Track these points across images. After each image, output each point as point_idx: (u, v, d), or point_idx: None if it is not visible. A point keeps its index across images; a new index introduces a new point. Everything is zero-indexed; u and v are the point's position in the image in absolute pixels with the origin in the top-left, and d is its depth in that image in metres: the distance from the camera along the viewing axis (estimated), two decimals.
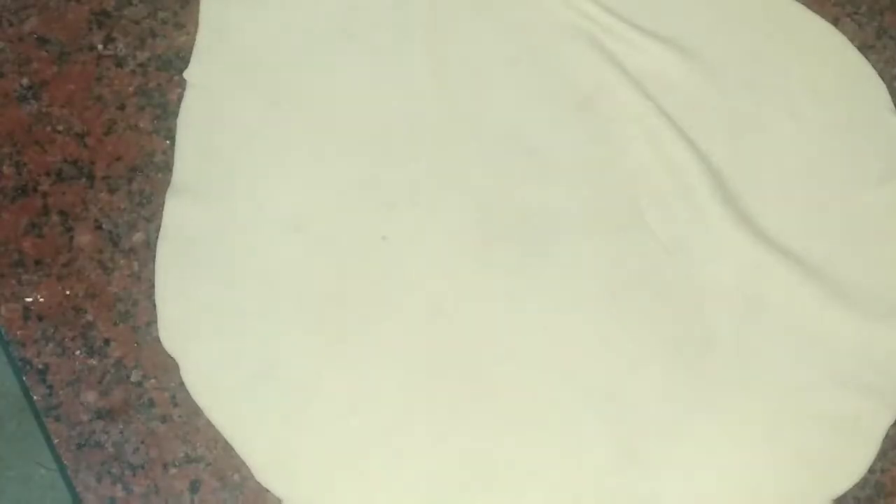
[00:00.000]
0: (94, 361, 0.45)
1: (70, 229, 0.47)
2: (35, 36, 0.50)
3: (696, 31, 0.51)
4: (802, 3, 0.52)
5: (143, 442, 0.44)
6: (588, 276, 0.46)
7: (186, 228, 0.47)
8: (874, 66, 0.51)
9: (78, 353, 0.46)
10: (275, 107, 0.49)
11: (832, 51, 0.50)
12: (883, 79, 0.50)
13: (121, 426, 0.45)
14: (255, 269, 0.46)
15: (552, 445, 0.44)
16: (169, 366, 0.45)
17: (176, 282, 0.46)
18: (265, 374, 0.44)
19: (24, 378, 0.45)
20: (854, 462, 0.44)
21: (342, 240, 0.47)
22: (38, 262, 0.47)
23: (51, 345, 0.46)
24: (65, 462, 0.44)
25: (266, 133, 0.48)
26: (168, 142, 0.49)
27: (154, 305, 0.46)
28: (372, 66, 0.50)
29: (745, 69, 0.50)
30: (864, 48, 0.51)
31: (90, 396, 0.45)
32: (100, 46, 0.50)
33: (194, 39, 0.50)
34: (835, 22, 0.52)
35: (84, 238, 0.47)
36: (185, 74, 0.49)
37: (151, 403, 0.45)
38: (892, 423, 0.45)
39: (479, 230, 0.47)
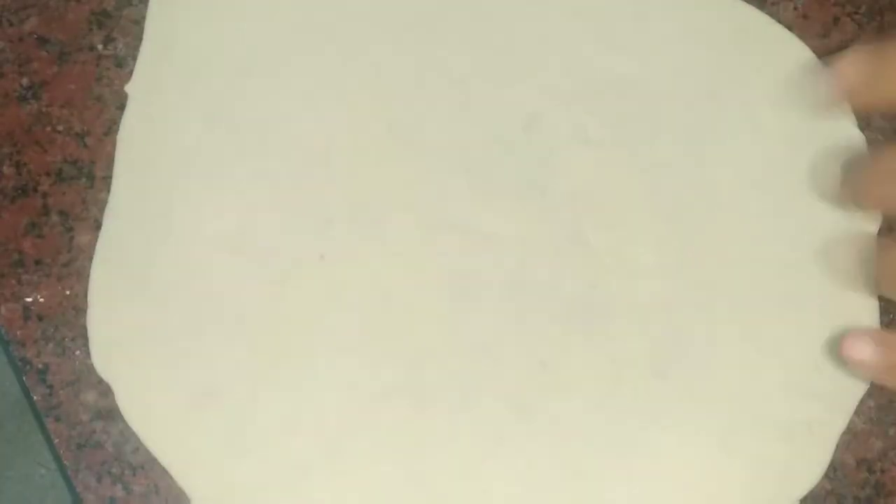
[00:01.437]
0: (93, 361, 0.45)
1: (70, 229, 0.47)
2: (35, 36, 0.50)
3: (657, 39, 0.50)
4: (800, 4, 0.52)
5: (143, 442, 0.44)
6: (528, 297, 0.46)
7: (122, 250, 0.46)
8: None
9: (78, 353, 0.46)
10: (214, 124, 0.48)
11: (795, 62, 0.50)
12: None
13: (121, 426, 0.45)
14: (191, 292, 0.45)
15: (498, 467, 0.44)
16: None
17: (110, 305, 0.45)
18: (202, 399, 0.44)
19: (24, 378, 0.45)
20: (808, 469, 0.45)
21: (279, 260, 0.46)
22: (38, 262, 0.47)
23: (51, 345, 0.46)
24: (65, 462, 0.44)
25: (204, 152, 0.47)
26: None
27: None
28: (316, 84, 0.49)
29: (707, 79, 0.50)
30: None
31: (90, 396, 0.45)
32: (100, 46, 0.50)
33: None
34: (835, 22, 0.52)
35: (84, 238, 0.47)
36: (127, 88, 0.49)
37: None
38: (844, 428, 0.45)
39: (418, 249, 0.47)
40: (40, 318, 0.46)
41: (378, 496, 0.43)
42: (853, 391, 0.46)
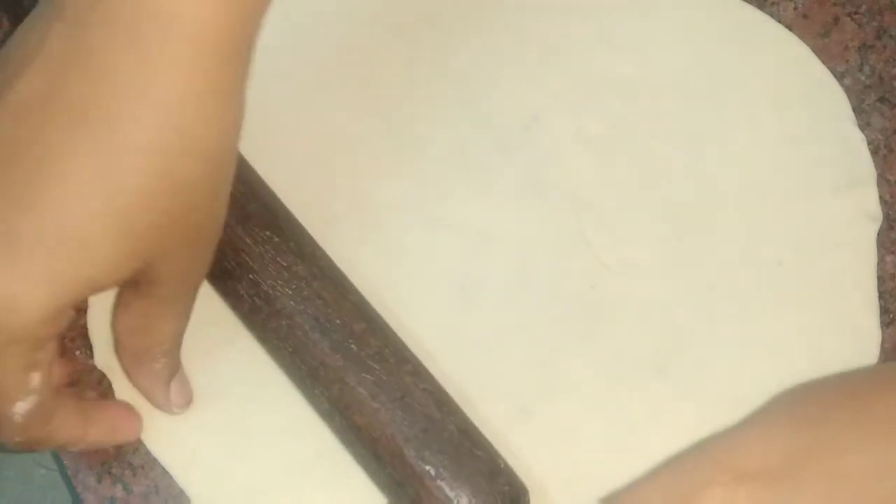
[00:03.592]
0: (94, 362, 0.45)
1: None
2: None
3: (658, 39, 0.50)
4: (800, 4, 0.52)
5: (143, 442, 0.44)
6: (528, 297, 0.46)
7: None
8: (874, 66, 0.51)
9: (78, 353, 0.46)
10: None
11: (795, 62, 0.50)
12: (883, 79, 0.50)
13: None
14: None
15: None
16: None
17: (110, 305, 0.45)
18: (202, 399, 0.44)
19: None
20: None
21: None
22: None
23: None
24: (65, 462, 0.44)
25: None
26: None
27: None
28: (316, 84, 0.49)
29: (707, 79, 0.49)
30: (864, 48, 0.51)
31: (90, 397, 0.45)
32: None
33: None
34: (835, 21, 0.52)
35: None
36: None
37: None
38: None
39: (418, 249, 0.47)
40: None
41: (377, 497, 0.43)
42: None
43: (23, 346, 0.35)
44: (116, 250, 0.35)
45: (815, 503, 0.36)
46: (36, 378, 0.36)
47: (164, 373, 0.42)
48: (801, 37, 0.51)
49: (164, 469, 0.44)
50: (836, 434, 0.37)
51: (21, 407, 0.37)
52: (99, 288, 0.36)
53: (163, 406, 0.43)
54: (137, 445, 0.44)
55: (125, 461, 0.44)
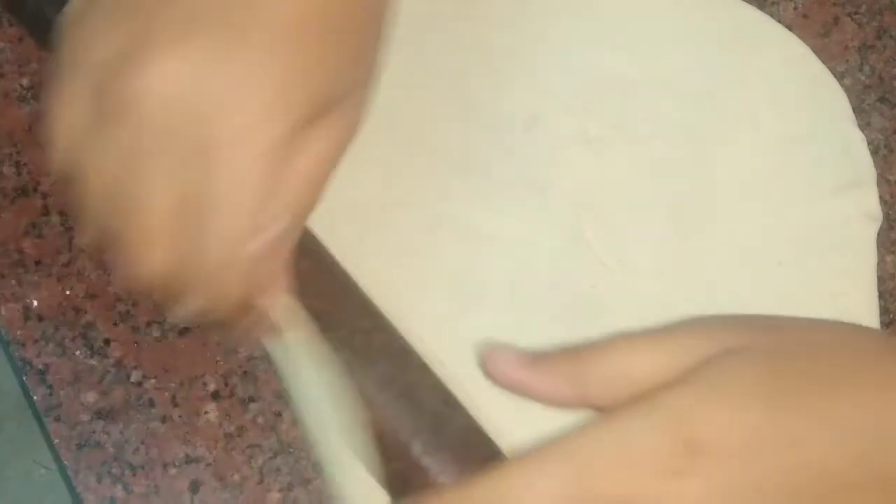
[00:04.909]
0: (94, 361, 0.45)
1: (70, 229, 0.47)
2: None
3: (657, 39, 0.50)
4: (800, 4, 0.52)
5: (143, 442, 0.44)
6: (528, 297, 0.46)
7: None
8: (874, 66, 0.51)
9: (78, 353, 0.46)
10: None
11: (795, 62, 0.50)
12: (883, 79, 0.51)
13: (121, 426, 0.45)
14: None
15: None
16: (169, 366, 0.45)
17: None
18: None
19: (24, 378, 0.45)
20: None
21: None
22: (38, 262, 0.47)
23: (51, 345, 0.46)
24: (65, 462, 0.44)
25: None
26: None
27: (154, 305, 0.46)
28: None
29: (707, 79, 0.50)
30: (864, 48, 0.51)
31: (90, 396, 0.45)
32: None
33: None
34: (835, 21, 0.52)
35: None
36: None
37: (151, 403, 0.45)
38: None
39: (419, 249, 0.47)
40: (40, 318, 0.46)
41: (380, 492, 0.43)
42: None
43: (264, 145, 0.33)
44: (332, 55, 0.34)
45: (777, 491, 0.32)
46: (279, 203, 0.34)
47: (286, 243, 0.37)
48: (801, 37, 0.51)
49: (164, 469, 0.44)
50: (809, 423, 0.33)
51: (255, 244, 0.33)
52: (321, 101, 0.34)
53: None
54: (137, 445, 0.44)
55: (125, 461, 0.44)
